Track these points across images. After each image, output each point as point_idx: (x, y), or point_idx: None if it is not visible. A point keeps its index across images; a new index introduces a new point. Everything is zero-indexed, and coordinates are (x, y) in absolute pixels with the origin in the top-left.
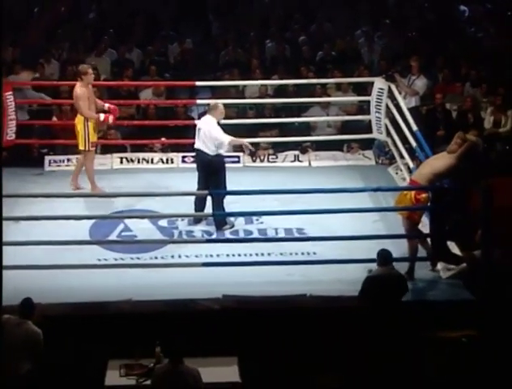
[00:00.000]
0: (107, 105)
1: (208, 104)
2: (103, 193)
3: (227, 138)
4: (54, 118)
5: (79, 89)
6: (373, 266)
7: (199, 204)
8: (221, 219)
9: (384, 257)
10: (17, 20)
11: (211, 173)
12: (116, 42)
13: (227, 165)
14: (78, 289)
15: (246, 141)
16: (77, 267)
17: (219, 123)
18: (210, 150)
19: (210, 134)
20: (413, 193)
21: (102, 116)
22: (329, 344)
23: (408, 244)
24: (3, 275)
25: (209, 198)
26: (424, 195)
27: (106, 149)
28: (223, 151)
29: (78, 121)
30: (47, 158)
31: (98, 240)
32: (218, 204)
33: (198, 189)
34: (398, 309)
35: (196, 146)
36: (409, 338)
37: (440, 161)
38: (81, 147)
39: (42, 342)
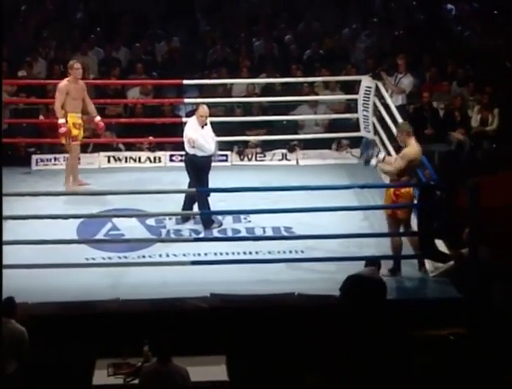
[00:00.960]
0: (98, 119)
1: (195, 103)
2: (90, 191)
3: (192, 135)
4: (41, 117)
5: (62, 82)
6: (360, 263)
7: (188, 203)
8: (208, 218)
9: (372, 262)
10: (4, 18)
11: (192, 172)
12: (103, 41)
13: (214, 164)
14: (66, 288)
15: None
16: (64, 266)
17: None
18: (188, 149)
19: (185, 133)
20: (392, 190)
21: (63, 128)
22: (316, 343)
23: (391, 242)
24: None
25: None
26: (403, 190)
27: (96, 148)
28: (202, 152)
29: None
30: (34, 157)
31: (86, 239)
32: (202, 203)
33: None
34: (378, 309)
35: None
36: (395, 336)
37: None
38: (63, 141)
39: (27, 340)
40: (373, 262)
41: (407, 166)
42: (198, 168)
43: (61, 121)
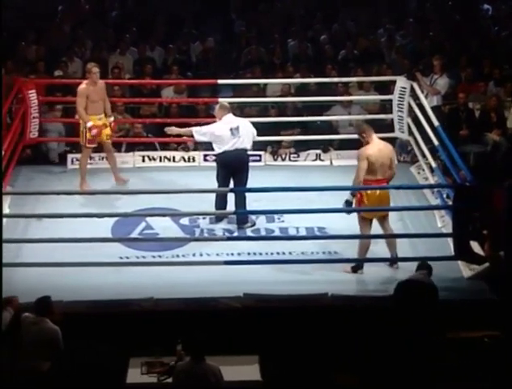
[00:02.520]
0: (112, 119)
1: (229, 103)
2: (125, 190)
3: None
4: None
5: (81, 86)
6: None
7: (220, 203)
8: (243, 217)
9: (422, 266)
10: (41, 19)
11: (240, 170)
12: (138, 41)
13: (249, 164)
14: (100, 287)
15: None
16: (99, 264)
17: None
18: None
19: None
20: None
21: (94, 131)
22: (349, 344)
23: (359, 242)
24: (23, 273)
25: (231, 197)
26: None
27: (130, 147)
28: (219, 148)
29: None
30: (70, 156)
31: (120, 238)
32: (242, 202)
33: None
34: (430, 314)
35: (239, 146)
36: (433, 339)
37: None
38: (81, 142)
39: (60, 340)
40: (423, 266)
41: (366, 164)
42: (220, 165)
43: (90, 124)
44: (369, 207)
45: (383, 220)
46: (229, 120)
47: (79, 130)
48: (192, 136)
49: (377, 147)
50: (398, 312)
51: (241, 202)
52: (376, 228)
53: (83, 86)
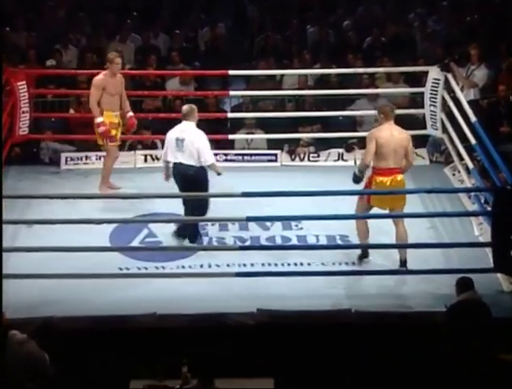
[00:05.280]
0: (131, 114)
1: (242, 96)
2: (125, 194)
3: (212, 159)
4: (72, 111)
5: (98, 76)
6: (425, 277)
7: (183, 227)
8: (193, 234)
9: (465, 284)
10: (32, 1)
11: (186, 190)
12: (140, 27)
13: (264, 164)
14: (97, 301)
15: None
16: (96, 276)
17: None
18: (195, 161)
19: (194, 145)
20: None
21: (102, 128)
22: (375, 367)
23: (357, 226)
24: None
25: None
26: (378, 180)
27: (132, 146)
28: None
29: None
30: (63, 155)
31: (119, 246)
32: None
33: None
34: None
35: (175, 159)
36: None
37: None
38: (99, 142)
39: (47, 364)
40: (466, 284)
41: (376, 146)
42: (206, 181)
43: (99, 119)
44: (377, 197)
45: (395, 212)
46: (181, 128)
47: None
48: None
49: (389, 131)
50: (450, 335)
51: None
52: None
53: (101, 76)
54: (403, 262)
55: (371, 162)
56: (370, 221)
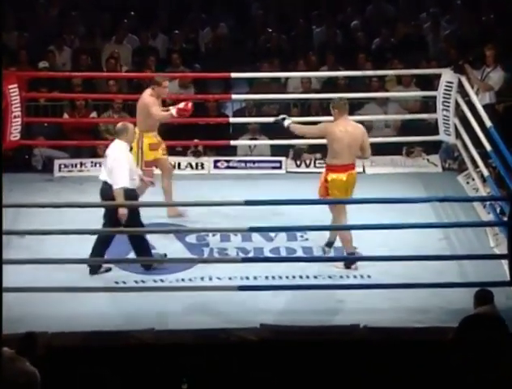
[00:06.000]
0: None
1: (244, 100)
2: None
3: (122, 183)
4: (66, 116)
5: (149, 98)
6: (437, 291)
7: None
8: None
9: (484, 297)
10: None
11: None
12: (138, 27)
13: (268, 171)
14: (92, 316)
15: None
16: (91, 290)
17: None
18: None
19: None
20: (323, 176)
21: (173, 110)
22: (384, 383)
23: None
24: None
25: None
26: (332, 178)
27: None
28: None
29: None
30: (57, 162)
31: (116, 258)
32: (100, 244)
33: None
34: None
35: (101, 177)
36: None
37: None
38: (150, 157)
39: (38, 381)
40: (485, 297)
41: (315, 134)
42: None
43: (172, 109)
44: (334, 194)
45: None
46: (111, 145)
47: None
48: None
49: (343, 126)
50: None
51: (100, 244)
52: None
53: (152, 97)
54: (330, 244)
55: (298, 130)
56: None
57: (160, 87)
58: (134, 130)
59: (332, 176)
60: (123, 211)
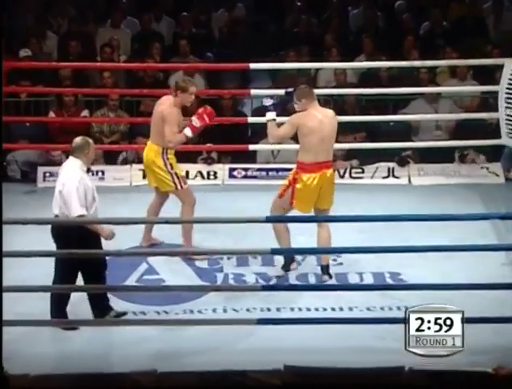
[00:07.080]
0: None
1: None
2: (119, 219)
3: (77, 211)
4: (51, 114)
5: (169, 108)
6: (498, 327)
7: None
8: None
9: None
10: None
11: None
12: (138, 8)
13: None
14: (85, 355)
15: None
16: (82, 323)
17: None
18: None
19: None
20: (292, 173)
21: (189, 131)
22: None
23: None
24: None
25: None
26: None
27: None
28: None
29: (152, 150)
30: (41, 169)
31: (111, 285)
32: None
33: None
34: None
35: (54, 210)
36: None
37: None
38: (170, 187)
39: None
40: None
41: (292, 132)
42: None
43: (188, 130)
44: (302, 199)
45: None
46: (63, 164)
47: (159, 173)
48: None
49: (315, 117)
50: None
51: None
52: None
53: (174, 109)
54: (325, 268)
55: (274, 133)
56: None
57: (185, 93)
58: (150, 144)
59: (303, 178)
60: (107, 232)
